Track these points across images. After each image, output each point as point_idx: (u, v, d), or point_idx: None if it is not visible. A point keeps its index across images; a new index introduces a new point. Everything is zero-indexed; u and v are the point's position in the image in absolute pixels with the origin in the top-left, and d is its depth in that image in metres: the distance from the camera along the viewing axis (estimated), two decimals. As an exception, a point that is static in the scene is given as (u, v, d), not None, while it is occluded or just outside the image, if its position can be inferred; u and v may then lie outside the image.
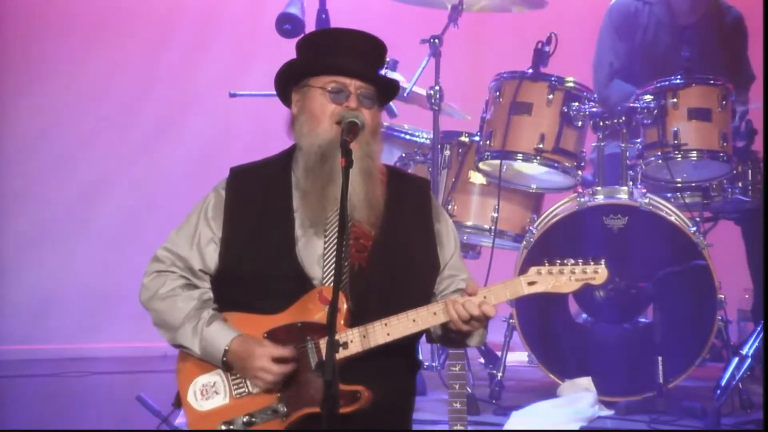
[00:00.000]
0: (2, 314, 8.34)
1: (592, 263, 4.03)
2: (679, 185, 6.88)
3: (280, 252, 4.13)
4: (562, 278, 4.02)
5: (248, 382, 4.08)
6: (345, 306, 4.02)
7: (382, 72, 4.35)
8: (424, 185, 4.33)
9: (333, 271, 4.03)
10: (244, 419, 4.02)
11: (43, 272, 8.43)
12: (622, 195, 6.70)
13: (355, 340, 4.00)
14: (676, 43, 7.10)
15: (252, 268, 4.12)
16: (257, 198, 4.19)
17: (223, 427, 4.04)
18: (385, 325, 4.00)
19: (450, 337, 4.11)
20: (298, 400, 4.01)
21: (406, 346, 4.15)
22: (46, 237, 8.48)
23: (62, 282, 8.40)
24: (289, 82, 4.21)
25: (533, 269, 4.04)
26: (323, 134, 4.09)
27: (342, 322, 4.01)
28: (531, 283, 4.03)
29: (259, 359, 4.02)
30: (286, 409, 4.02)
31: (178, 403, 4.15)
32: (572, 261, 4.03)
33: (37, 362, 8.07)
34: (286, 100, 4.25)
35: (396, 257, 4.14)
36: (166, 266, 4.21)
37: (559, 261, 4.03)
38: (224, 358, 4.07)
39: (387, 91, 4.22)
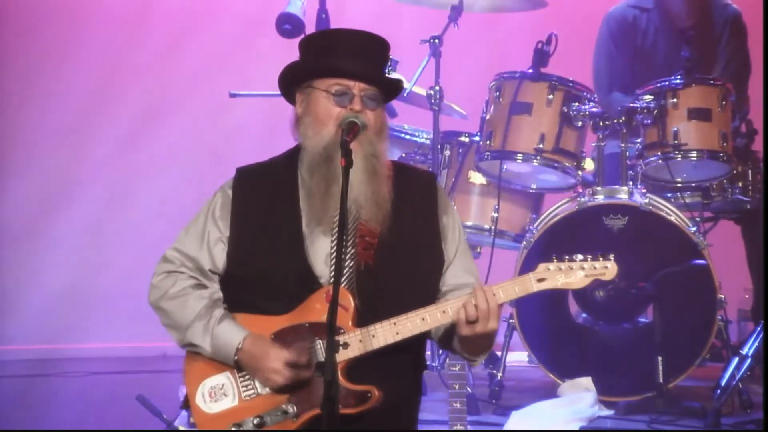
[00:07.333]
0: (2, 315, 8.31)
1: (601, 258, 4.01)
2: (679, 185, 6.89)
3: (289, 250, 4.11)
4: (572, 274, 4.00)
5: (257, 384, 4.05)
6: (352, 305, 4.01)
7: (385, 70, 4.34)
8: (429, 178, 4.30)
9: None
10: (255, 421, 3.98)
11: (42, 273, 8.40)
12: (622, 195, 6.71)
13: (363, 340, 3.99)
14: (675, 47, 7.09)
15: (260, 266, 4.11)
16: (264, 197, 4.18)
17: (233, 429, 4.00)
18: (394, 324, 3.99)
19: (454, 343, 4.09)
20: (308, 401, 3.99)
21: (414, 345, 4.13)
22: (43, 237, 8.44)
23: (60, 282, 8.37)
24: (292, 83, 4.20)
25: (542, 266, 4.02)
26: (327, 136, 4.08)
27: (350, 322, 4.00)
28: (540, 280, 4.00)
29: (273, 360, 4.00)
30: (296, 410, 3.99)
31: (187, 404, 4.12)
32: (581, 257, 4.01)
33: (36, 362, 8.04)
34: (290, 99, 4.24)
35: (402, 254, 4.12)
36: (175, 266, 4.19)
37: (567, 257, 4.01)
38: (236, 357, 4.05)
39: (390, 89, 4.21)
